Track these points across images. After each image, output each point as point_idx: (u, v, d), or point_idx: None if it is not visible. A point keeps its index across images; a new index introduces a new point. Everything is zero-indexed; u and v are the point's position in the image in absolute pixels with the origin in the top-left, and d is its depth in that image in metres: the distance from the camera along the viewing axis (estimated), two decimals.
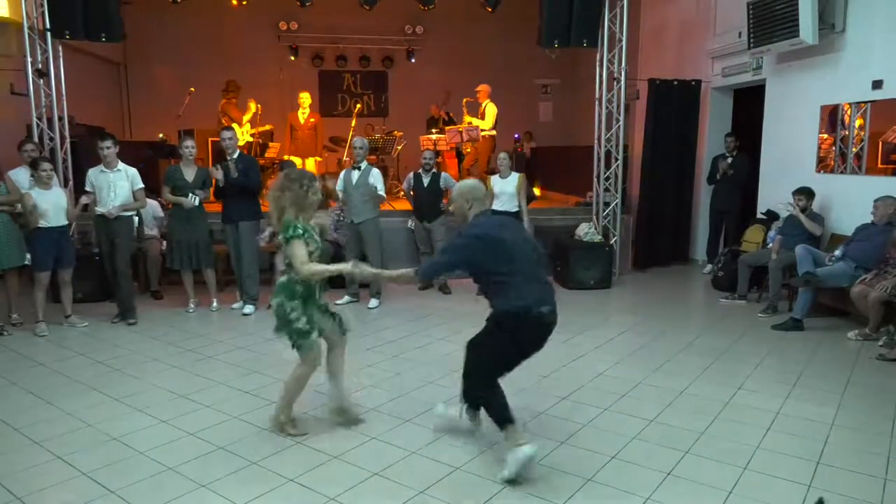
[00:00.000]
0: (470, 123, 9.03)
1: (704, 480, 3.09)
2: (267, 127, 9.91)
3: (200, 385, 4.37)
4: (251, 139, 9.46)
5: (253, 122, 9.56)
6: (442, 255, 3.67)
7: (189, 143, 6.15)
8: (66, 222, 5.68)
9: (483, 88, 9.08)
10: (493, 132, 9.11)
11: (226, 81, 9.69)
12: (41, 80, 6.89)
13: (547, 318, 3.19)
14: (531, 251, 3.32)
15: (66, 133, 7.12)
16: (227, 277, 6.89)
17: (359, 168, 6.51)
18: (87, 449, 3.43)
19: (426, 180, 7.13)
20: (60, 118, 7.04)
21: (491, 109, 9.01)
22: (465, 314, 6.22)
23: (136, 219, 6.39)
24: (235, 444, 3.49)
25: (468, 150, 9.23)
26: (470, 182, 3.59)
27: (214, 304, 6.39)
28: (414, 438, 3.56)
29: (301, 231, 3.37)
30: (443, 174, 7.32)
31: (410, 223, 7.39)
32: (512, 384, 4.30)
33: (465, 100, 9.38)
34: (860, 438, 3.57)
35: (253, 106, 9.49)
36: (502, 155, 7.07)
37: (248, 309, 6.23)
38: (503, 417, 3.16)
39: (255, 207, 6.28)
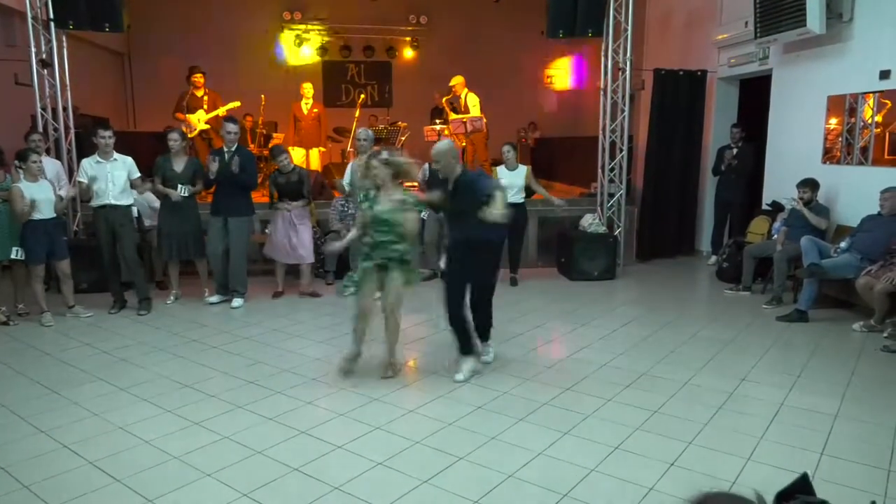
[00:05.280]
0: (469, 116, 8.91)
1: (708, 471, 3.09)
2: (235, 104, 8.64)
3: (205, 375, 4.39)
4: (206, 126, 8.62)
5: (211, 106, 8.58)
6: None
7: (174, 135, 6.13)
8: (55, 215, 5.63)
9: (458, 81, 8.90)
10: (483, 119, 8.96)
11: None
12: (45, 71, 6.88)
13: None
14: None
15: (71, 123, 7.13)
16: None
17: None
18: (92, 438, 3.46)
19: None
20: (65, 109, 7.04)
21: (472, 99, 8.86)
22: None
23: (136, 209, 6.39)
24: (240, 433, 3.51)
25: (463, 143, 9.10)
26: (448, 142, 4.39)
27: (207, 293, 6.39)
28: (419, 427, 3.57)
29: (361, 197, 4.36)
30: None
31: (424, 213, 7.36)
32: (515, 375, 4.34)
33: (444, 98, 9.18)
34: (864, 430, 3.57)
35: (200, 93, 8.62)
36: (506, 147, 7.03)
37: (237, 302, 6.22)
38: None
39: (248, 202, 6.27)
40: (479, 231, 4.09)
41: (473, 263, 4.26)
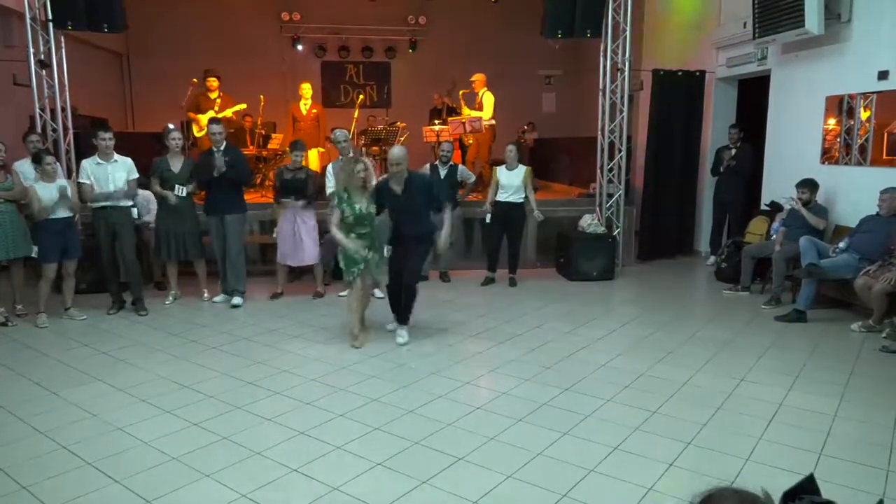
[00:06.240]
0: (469, 115, 8.92)
1: (707, 472, 3.08)
2: (241, 106, 9.03)
3: (204, 375, 4.39)
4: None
5: (222, 108, 8.84)
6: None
7: (175, 134, 6.14)
8: (71, 214, 5.69)
9: (479, 78, 8.88)
10: (493, 121, 8.96)
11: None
12: (44, 71, 6.88)
13: None
14: None
15: (69, 124, 7.12)
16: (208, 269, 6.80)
17: None
18: (91, 439, 3.45)
19: (443, 172, 7.09)
20: (63, 109, 7.04)
21: (488, 98, 8.83)
22: (470, 304, 6.23)
23: (135, 210, 6.38)
24: (239, 434, 3.50)
25: (469, 140, 9.13)
26: (402, 148, 4.99)
27: (205, 295, 6.38)
28: (419, 427, 3.57)
29: (336, 200, 4.77)
30: (460, 167, 7.28)
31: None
32: (514, 375, 4.34)
33: (461, 91, 9.19)
34: (863, 430, 3.57)
35: (214, 95, 8.84)
36: (510, 147, 7.04)
37: (237, 300, 6.21)
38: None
39: (241, 200, 6.29)
40: (427, 225, 5.05)
41: (416, 252, 5.05)
